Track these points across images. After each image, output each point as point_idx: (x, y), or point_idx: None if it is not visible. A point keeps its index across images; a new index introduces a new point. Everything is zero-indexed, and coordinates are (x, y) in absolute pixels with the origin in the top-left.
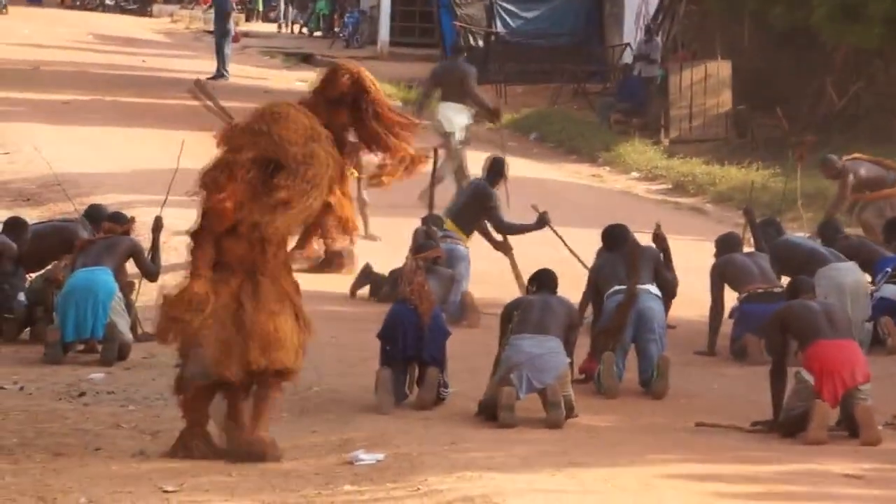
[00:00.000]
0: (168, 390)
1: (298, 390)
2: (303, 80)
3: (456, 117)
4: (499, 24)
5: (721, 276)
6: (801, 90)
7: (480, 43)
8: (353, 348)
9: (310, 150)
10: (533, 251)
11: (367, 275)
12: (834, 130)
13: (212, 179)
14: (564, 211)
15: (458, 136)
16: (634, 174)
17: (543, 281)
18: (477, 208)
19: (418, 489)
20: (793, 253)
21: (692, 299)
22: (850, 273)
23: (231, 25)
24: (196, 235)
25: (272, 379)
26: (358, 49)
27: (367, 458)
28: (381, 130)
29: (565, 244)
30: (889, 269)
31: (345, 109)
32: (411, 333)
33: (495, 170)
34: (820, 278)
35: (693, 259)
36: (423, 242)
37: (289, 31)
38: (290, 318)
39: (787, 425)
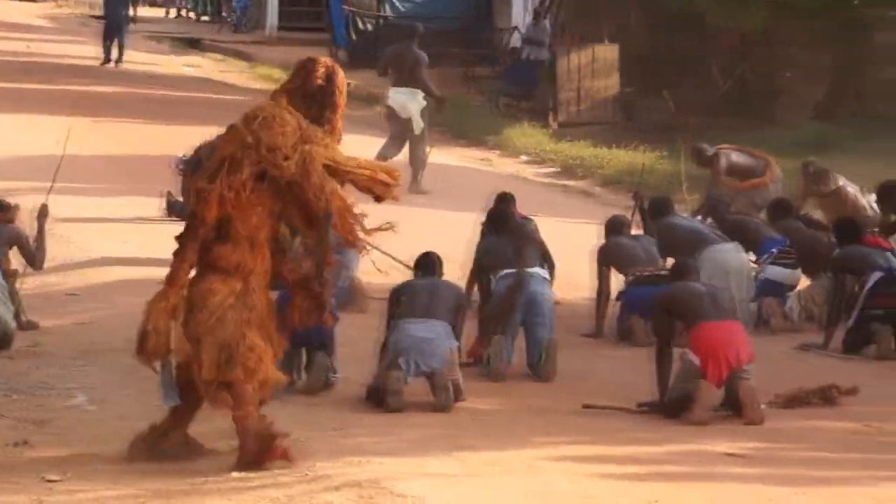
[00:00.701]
0: (52, 379)
1: None
2: (190, 66)
3: (409, 103)
4: (388, 7)
5: (607, 259)
6: (688, 73)
7: (370, 27)
8: None
9: (303, 155)
10: (417, 235)
11: None
12: (720, 113)
13: (218, 196)
14: (454, 195)
15: (416, 121)
16: (523, 158)
17: (429, 265)
18: None
19: (306, 474)
20: (676, 234)
21: (579, 282)
22: (733, 254)
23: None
24: (183, 242)
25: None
26: (246, 34)
27: None
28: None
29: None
30: (774, 251)
31: (316, 105)
32: None
33: None
34: (704, 260)
35: (581, 242)
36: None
37: (176, 15)
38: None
39: (672, 406)
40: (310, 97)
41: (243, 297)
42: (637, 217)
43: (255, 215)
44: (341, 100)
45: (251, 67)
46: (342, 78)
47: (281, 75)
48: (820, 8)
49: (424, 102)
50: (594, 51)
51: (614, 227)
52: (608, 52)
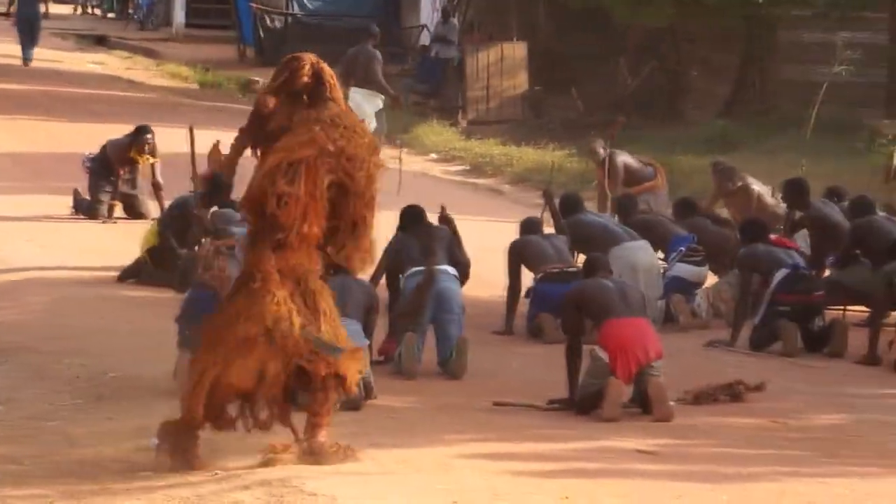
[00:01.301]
0: None
1: (94, 377)
2: (97, 63)
3: (364, 103)
4: (295, 5)
5: (517, 256)
6: (596, 71)
7: (278, 24)
8: (150, 334)
9: (371, 170)
10: None
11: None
12: (628, 110)
13: (294, 200)
14: None
15: (370, 123)
16: (432, 155)
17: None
18: None
19: (216, 474)
20: (587, 230)
21: (490, 280)
22: (642, 251)
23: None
24: (258, 245)
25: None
26: (153, 31)
27: None
28: None
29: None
30: (683, 248)
31: (303, 103)
32: None
33: None
34: (612, 257)
35: (491, 240)
36: (219, 227)
37: (82, 12)
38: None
39: (583, 403)
40: (297, 96)
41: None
42: (547, 215)
43: (321, 221)
44: (336, 93)
45: (158, 65)
46: (330, 72)
47: (188, 73)
48: (725, 6)
49: (381, 104)
50: (502, 49)
51: (528, 229)
52: (516, 51)
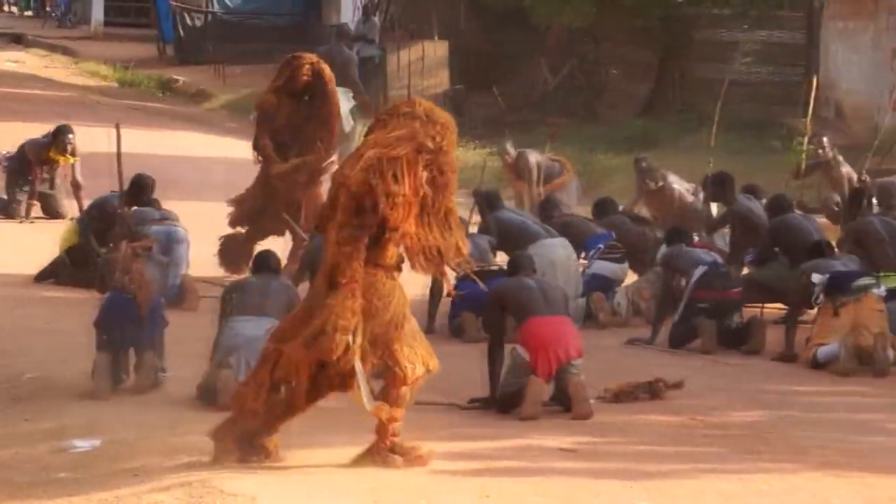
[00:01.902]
0: None
1: (10, 378)
2: (14, 61)
3: (344, 101)
4: (215, 3)
5: None
6: (517, 70)
7: (197, 23)
8: (68, 334)
9: (456, 163)
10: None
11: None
12: (549, 109)
13: (403, 199)
14: None
15: (347, 120)
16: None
17: (264, 263)
18: None
19: (136, 475)
20: (507, 227)
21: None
22: (560, 249)
23: None
24: (355, 240)
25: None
26: (71, 29)
27: (82, 444)
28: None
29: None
30: (601, 246)
31: (306, 103)
32: (129, 323)
33: None
34: (531, 254)
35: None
36: (136, 229)
37: None
38: None
39: (503, 401)
40: (298, 95)
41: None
42: (476, 216)
43: (416, 219)
44: (335, 98)
45: (76, 63)
46: (329, 72)
47: (107, 71)
48: (644, 5)
49: (353, 102)
50: (424, 47)
51: None
52: (438, 49)
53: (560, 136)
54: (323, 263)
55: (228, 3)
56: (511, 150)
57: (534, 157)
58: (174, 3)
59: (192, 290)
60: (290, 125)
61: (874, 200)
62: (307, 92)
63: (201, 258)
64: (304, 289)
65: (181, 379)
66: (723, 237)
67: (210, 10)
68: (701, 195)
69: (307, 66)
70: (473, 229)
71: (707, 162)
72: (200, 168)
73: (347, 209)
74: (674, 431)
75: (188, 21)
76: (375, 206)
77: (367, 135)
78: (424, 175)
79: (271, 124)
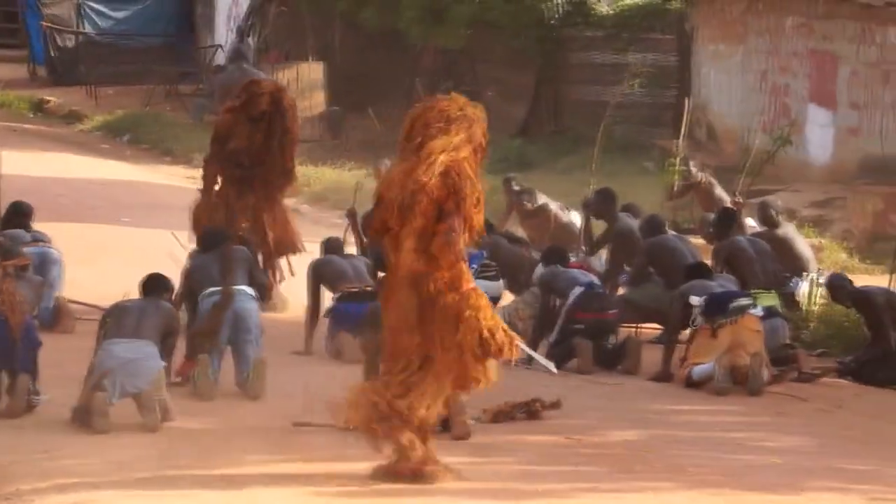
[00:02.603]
0: None
1: None
2: None
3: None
4: (87, 24)
5: (317, 275)
6: (393, 91)
7: (69, 43)
8: None
9: None
10: (125, 254)
11: None
12: None
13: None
14: (161, 214)
15: None
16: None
17: (151, 286)
18: None
19: (9, 500)
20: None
21: (291, 300)
22: None
23: None
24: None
25: None
26: None
27: None
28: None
29: None
30: (475, 266)
31: (262, 131)
32: (1, 345)
33: None
34: None
35: (291, 259)
36: (9, 248)
37: None
38: None
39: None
40: (255, 119)
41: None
42: (350, 236)
43: None
44: (294, 126)
45: None
46: (290, 100)
47: None
48: (518, 27)
49: None
50: (298, 69)
51: (330, 249)
52: (313, 71)
53: None
54: (392, 272)
55: (101, 24)
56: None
57: None
58: (45, 24)
59: (66, 312)
60: (249, 148)
61: (750, 221)
62: (265, 119)
63: (77, 280)
64: None
65: (56, 402)
66: (598, 258)
67: (82, 30)
68: (574, 215)
69: (267, 94)
70: (350, 250)
71: (588, 183)
72: (76, 189)
73: (429, 214)
74: (551, 451)
75: (60, 42)
76: (458, 208)
77: (413, 139)
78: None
79: (225, 146)
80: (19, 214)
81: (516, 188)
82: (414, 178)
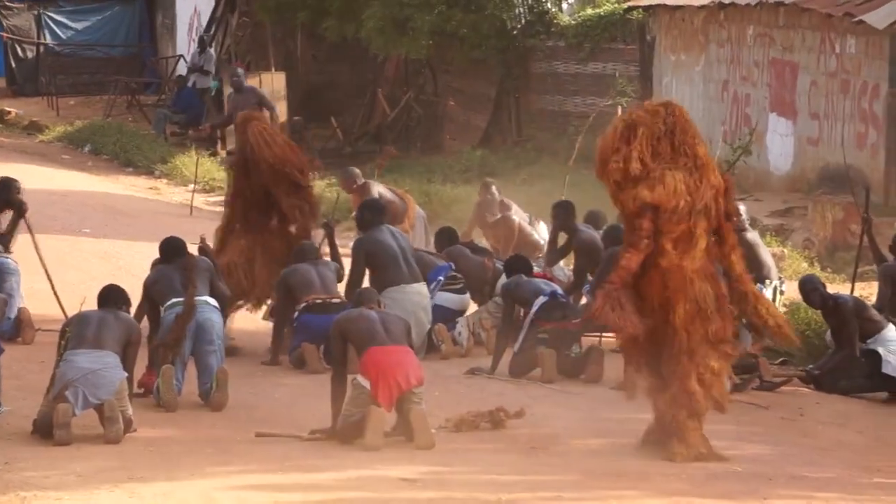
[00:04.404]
0: None
1: None
2: None
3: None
4: (48, 35)
5: (285, 286)
6: (355, 101)
7: (30, 55)
8: None
9: None
10: (84, 265)
11: None
12: (388, 140)
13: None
14: (121, 224)
15: None
16: (192, 186)
17: (107, 298)
18: None
19: None
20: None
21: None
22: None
23: None
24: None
25: None
26: None
27: None
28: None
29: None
30: (441, 278)
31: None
32: None
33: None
34: (385, 297)
35: None
36: None
37: None
38: None
39: (345, 432)
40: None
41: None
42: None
43: None
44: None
45: None
46: (257, 126)
47: None
48: (480, 38)
49: None
50: (261, 79)
51: (300, 256)
52: (275, 81)
53: (390, 165)
54: (677, 270)
55: (61, 35)
56: (359, 177)
57: (378, 188)
58: (5, 35)
59: (28, 323)
60: (263, 189)
61: None
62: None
63: (37, 291)
64: None
65: (17, 413)
66: (561, 268)
67: (42, 41)
68: (542, 226)
69: (241, 127)
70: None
71: (550, 193)
72: (36, 200)
73: (720, 214)
74: (515, 460)
75: (20, 53)
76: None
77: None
78: None
79: (249, 179)
80: None
81: (494, 191)
82: (709, 183)
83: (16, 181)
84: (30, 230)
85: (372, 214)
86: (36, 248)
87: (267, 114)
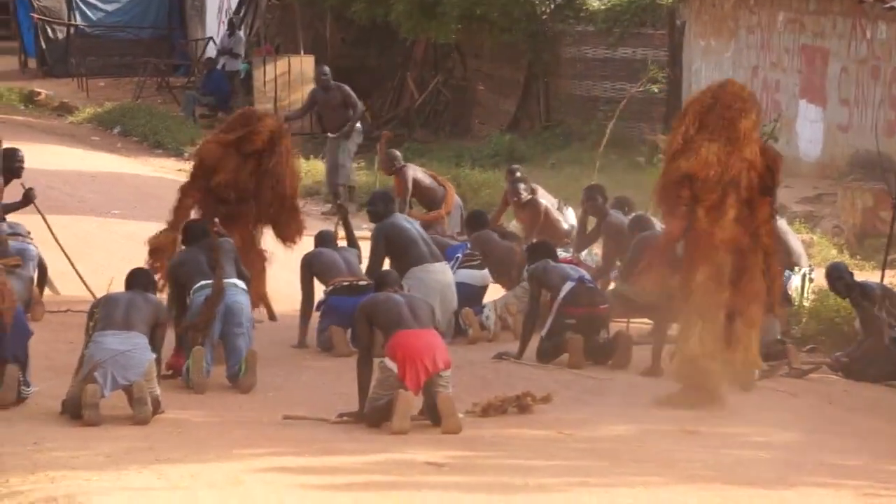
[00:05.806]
0: None
1: None
2: None
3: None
4: (78, 16)
5: (309, 268)
6: (384, 84)
7: (60, 36)
8: None
9: None
10: (114, 247)
11: None
12: (416, 124)
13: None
14: (150, 206)
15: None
16: None
17: (135, 280)
18: None
19: None
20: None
21: (284, 293)
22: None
23: None
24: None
25: None
26: None
27: None
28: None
29: (48, 226)
30: (459, 255)
31: (252, 165)
32: None
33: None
34: (409, 278)
35: (284, 253)
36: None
37: None
38: None
39: (373, 415)
40: (245, 157)
41: None
42: (341, 230)
43: None
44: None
45: None
46: (288, 145)
47: None
48: (510, 22)
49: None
50: (290, 62)
51: (322, 241)
52: (304, 64)
53: (419, 149)
54: (706, 238)
55: (91, 17)
56: (399, 159)
57: (416, 171)
58: (36, 17)
59: (38, 300)
60: (235, 182)
61: None
62: (255, 156)
63: (66, 272)
64: None
65: (46, 393)
66: (589, 253)
67: (73, 23)
68: (568, 211)
69: (267, 132)
70: (342, 243)
71: (578, 178)
72: (66, 181)
73: (753, 188)
74: (542, 445)
75: (51, 34)
76: (776, 182)
77: (698, 122)
78: None
79: (210, 178)
80: None
81: (517, 177)
82: (740, 155)
83: (18, 151)
84: (40, 212)
85: (385, 205)
86: (50, 230)
87: (349, 112)
